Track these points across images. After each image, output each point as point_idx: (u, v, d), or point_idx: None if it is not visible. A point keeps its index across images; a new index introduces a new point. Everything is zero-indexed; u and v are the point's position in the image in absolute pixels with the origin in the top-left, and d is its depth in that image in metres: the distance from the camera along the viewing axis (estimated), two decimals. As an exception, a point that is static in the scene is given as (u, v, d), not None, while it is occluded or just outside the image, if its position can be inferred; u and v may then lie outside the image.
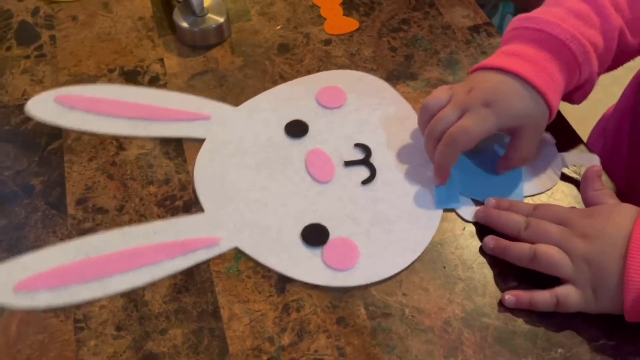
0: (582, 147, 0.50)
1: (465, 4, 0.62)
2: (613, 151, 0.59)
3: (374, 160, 0.49)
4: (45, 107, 0.52)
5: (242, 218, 0.45)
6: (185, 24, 0.57)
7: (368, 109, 0.52)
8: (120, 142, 0.50)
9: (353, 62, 0.57)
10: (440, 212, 0.46)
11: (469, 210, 0.46)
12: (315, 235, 0.44)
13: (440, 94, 0.46)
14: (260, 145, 0.50)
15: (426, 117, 0.46)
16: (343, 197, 0.47)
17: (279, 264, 0.43)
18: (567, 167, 0.48)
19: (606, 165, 0.46)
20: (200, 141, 0.50)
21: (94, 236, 0.44)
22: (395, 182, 0.48)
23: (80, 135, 0.51)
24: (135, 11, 0.61)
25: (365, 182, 0.48)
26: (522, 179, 0.47)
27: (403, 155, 0.49)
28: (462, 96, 0.44)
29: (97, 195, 0.47)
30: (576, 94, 0.47)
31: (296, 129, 0.51)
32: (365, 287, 0.42)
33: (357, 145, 0.50)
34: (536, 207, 0.43)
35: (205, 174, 0.48)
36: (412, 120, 0.51)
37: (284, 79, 0.55)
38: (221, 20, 0.57)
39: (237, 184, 0.47)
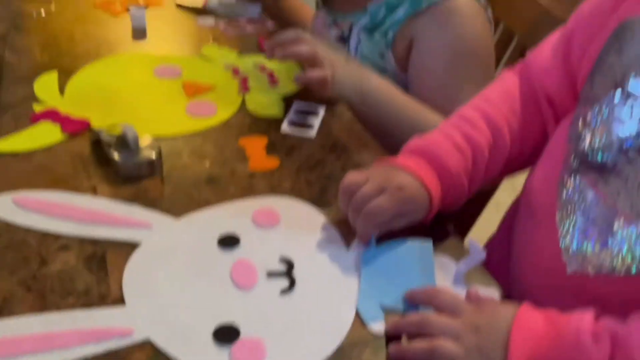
0: (487, 277, 0.55)
1: (371, 147, 0.72)
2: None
3: (295, 273, 0.53)
4: (4, 206, 0.57)
5: (159, 313, 0.48)
6: (119, 158, 0.62)
7: (297, 230, 0.58)
8: (43, 257, 0.52)
9: (273, 193, 0.63)
10: (348, 323, 0.49)
11: (377, 324, 0.49)
12: (225, 334, 0.47)
13: (357, 177, 0.55)
14: (192, 252, 0.54)
15: (348, 196, 0.55)
16: (260, 303, 0.50)
17: (185, 357, 0.45)
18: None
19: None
20: (127, 254, 0.53)
21: (14, 319, 0.47)
22: (311, 294, 0.52)
23: (4, 252, 0.52)
24: (74, 148, 0.66)
25: (284, 291, 0.51)
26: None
27: (322, 271, 0.54)
28: (379, 179, 0.55)
29: (14, 307, 0.47)
30: (446, 210, 0.60)
31: (228, 241, 0.56)
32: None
33: (282, 258, 0.54)
34: (438, 291, 0.48)
35: (134, 272, 0.52)
36: (335, 243, 0.57)
37: (209, 205, 0.60)
38: (153, 156, 0.63)
39: (161, 285, 0.51)
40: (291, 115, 0.75)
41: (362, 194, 0.54)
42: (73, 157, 0.65)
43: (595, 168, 0.49)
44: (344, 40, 0.88)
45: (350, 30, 0.86)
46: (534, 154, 0.61)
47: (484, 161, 0.60)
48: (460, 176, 0.58)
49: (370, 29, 0.84)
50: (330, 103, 0.78)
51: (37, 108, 0.72)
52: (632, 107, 0.48)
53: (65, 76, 0.79)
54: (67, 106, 0.72)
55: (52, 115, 0.70)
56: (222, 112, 0.74)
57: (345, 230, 0.58)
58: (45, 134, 0.67)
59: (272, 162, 0.67)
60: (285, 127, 0.73)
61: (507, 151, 0.61)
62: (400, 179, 0.56)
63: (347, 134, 0.74)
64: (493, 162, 0.61)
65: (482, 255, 0.51)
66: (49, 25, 0.94)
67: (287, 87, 0.81)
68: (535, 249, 0.54)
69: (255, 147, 0.69)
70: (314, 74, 0.72)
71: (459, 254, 0.56)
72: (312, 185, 0.64)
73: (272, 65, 0.85)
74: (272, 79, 0.82)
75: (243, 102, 0.77)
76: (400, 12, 0.81)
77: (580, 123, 0.53)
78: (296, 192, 0.63)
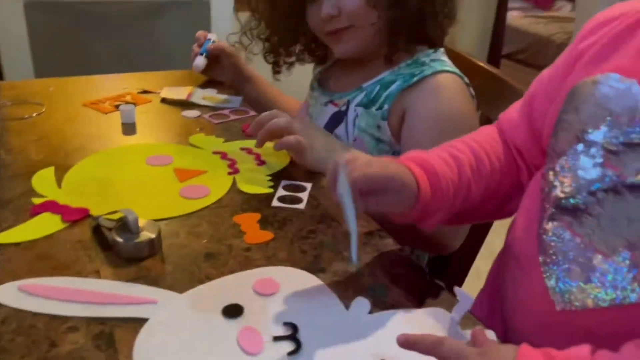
0: (481, 325, 0.58)
1: (360, 216, 0.75)
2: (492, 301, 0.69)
3: (300, 336, 0.55)
4: (10, 294, 0.59)
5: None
6: (120, 240, 0.65)
7: (297, 295, 0.60)
8: (52, 340, 0.53)
9: (270, 264, 0.65)
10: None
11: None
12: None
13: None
14: (198, 324, 0.56)
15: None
16: (269, 367, 0.51)
17: None
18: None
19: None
20: (135, 330, 0.54)
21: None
22: (318, 355, 0.53)
23: (14, 337, 0.53)
24: (75, 236, 0.69)
25: (290, 353, 0.53)
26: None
27: (326, 332, 0.56)
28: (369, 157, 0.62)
29: (26, 389, 0.48)
30: (430, 219, 0.64)
31: (232, 310, 0.58)
32: None
33: (285, 323, 0.56)
34: (441, 340, 0.49)
35: (143, 347, 0.53)
36: (335, 306, 0.59)
37: (210, 279, 0.62)
38: (153, 236, 0.66)
39: (171, 357, 0.52)
40: (280, 192, 0.80)
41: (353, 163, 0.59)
42: (74, 244, 0.67)
43: (569, 212, 0.54)
44: (341, 114, 0.94)
45: (347, 106, 0.93)
46: (510, 198, 0.66)
47: (467, 178, 0.65)
48: (447, 181, 0.62)
49: (367, 104, 0.91)
50: (316, 178, 0.83)
51: (37, 201, 0.74)
52: (594, 155, 0.54)
53: (60, 171, 0.83)
54: (65, 198, 0.75)
55: (51, 206, 0.73)
56: (215, 193, 0.78)
57: (342, 293, 0.61)
58: (46, 224, 0.70)
59: (267, 235, 0.70)
60: (276, 202, 0.77)
61: (488, 176, 0.66)
62: (389, 160, 0.63)
63: (334, 205, 0.78)
64: (475, 182, 0.66)
65: (470, 299, 0.54)
66: (41, 126, 0.99)
67: (275, 167, 0.86)
68: (524, 293, 0.58)
69: (249, 222, 0.73)
70: (290, 138, 0.80)
71: (452, 306, 0.59)
72: (306, 254, 0.67)
73: (257, 148, 0.90)
74: (259, 161, 0.87)
75: (234, 183, 0.81)
76: (394, 87, 0.88)
77: (551, 174, 0.58)
78: (292, 261, 0.66)
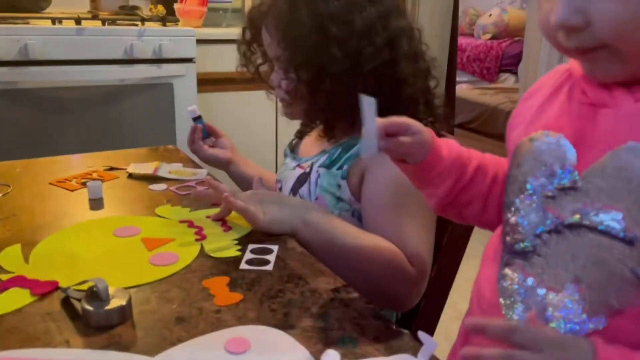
0: None
1: (326, 274, 0.78)
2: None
3: None
4: None
5: None
6: (90, 308, 0.65)
7: (269, 352, 0.62)
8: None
9: (241, 323, 0.67)
10: None
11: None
12: None
13: None
14: None
15: None
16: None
17: None
18: None
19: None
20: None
21: None
22: None
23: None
24: (43, 308, 0.69)
25: None
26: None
27: None
28: None
29: None
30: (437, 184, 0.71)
31: None
32: None
33: None
34: (514, 329, 0.50)
35: None
36: None
37: (181, 341, 0.63)
38: (123, 302, 0.67)
39: None
40: (248, 255, 0.82)
41: None
42: (43, 316, 0.67)
43: (520, 255, 0.59)
44: (305, 176, 1.00)
45: (311, 168, 1.00)
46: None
47: (475, 166, 0.71)
48: (459, 151, 0.70)
49: (328, 165, 0.97)
50: (282, 240, 0.86)
51: (4, 277, 0.75)
52: (535, 202, 0.60)
53: (28, 248, 0.83)
54: (33, 272, 0.76)
55: (20, 281, 0.73)
56: (184, 259, 0.80)
57: (313, 347, 0.63)
58: (15, 299, 0.70)
59: (236, 297, 0.72)
60: (244, 266, 0.79)
61: (492, 176, 0.71)
62: None
63: (301, 265, 0.81)
64: (480, 175, 0.71)
65: (434, 343, 0.56)
66: (8, 205, 0.99)
67: (241, 231, 0.88)
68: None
69: (219, 285, 0.74)
70: (237, 203, 0.86)
71: (417, 352, 0.62)
72: (276, 312, 0.69)
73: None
74: (225, 226, 0.90)
75: (202, 249, 0.83)
76: (355, 150, 0.94)
77: (505, 225, 0.63)
78: (262, 320, 0.68)
